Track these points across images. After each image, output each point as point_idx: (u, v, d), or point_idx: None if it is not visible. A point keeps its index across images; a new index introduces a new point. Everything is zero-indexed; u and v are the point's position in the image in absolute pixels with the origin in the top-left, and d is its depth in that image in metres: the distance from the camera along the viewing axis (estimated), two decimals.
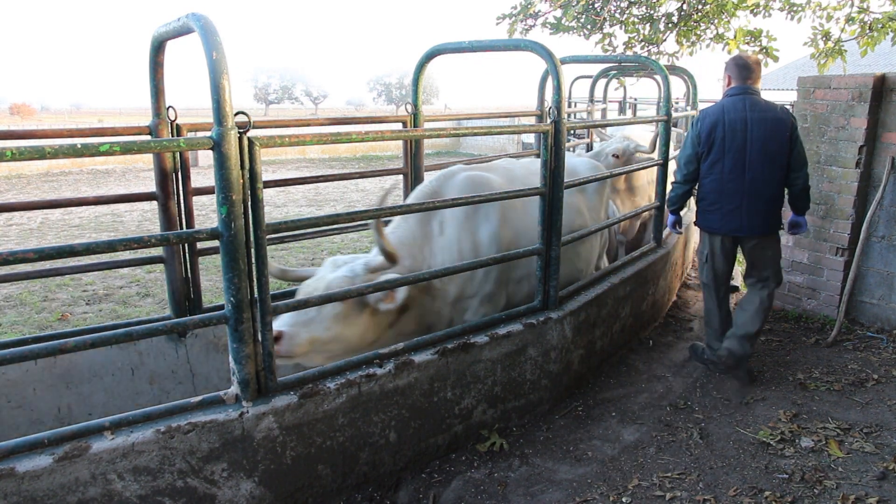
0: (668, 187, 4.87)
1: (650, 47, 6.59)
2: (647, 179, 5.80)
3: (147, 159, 16.38)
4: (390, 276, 2.90)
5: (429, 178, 3.58)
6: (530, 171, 3.81)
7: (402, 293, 2.93)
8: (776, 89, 20.79)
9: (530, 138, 18.01)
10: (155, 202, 3.33)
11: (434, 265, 3.23)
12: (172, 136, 3.25)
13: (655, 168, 4.86)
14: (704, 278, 4.01)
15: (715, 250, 3.90)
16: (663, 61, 6.63)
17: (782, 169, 3.72)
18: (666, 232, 5.10)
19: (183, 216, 3.40)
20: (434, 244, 3.30)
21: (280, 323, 2.75)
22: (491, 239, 3.35)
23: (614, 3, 6.56)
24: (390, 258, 2.91)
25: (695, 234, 6.99)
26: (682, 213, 6.00)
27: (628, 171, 4.74)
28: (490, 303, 3.44)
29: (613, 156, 5.42)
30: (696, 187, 3.98)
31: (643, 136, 6.28)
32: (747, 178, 3.68)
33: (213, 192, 2.27)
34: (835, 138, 4.64)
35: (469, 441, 3.16)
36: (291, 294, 3.20)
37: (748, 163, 3.67)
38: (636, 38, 6.58)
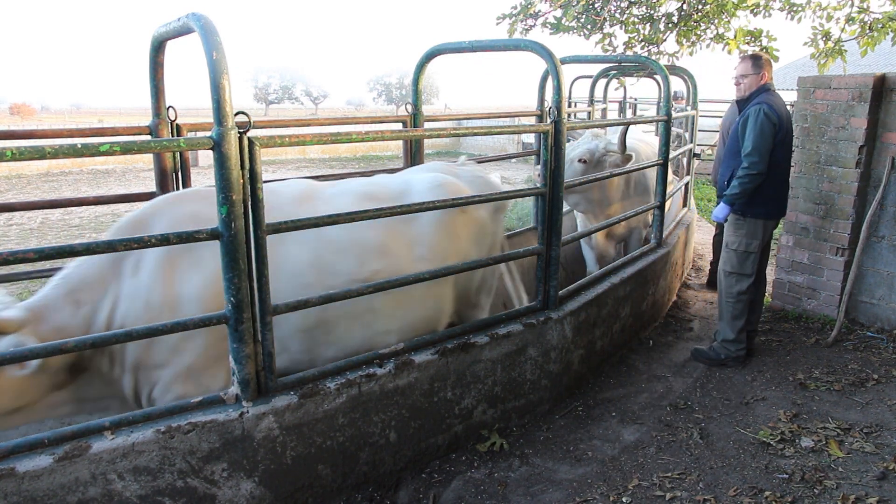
0: (670, 187, 4.88)
1: (650, 47, 6.58)
2: (642, 185, 5.32)
3: (147, 159, 16.38)
4: (21, 339, 2.24)
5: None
6: (282, 197, 2.82)
7: (34, 361, 2.25)
8: (776, 89, 20.73)
9: (530, 138, 18.02)
10: None
11: (116, 315, 2.48)
12: (172, 136, 3.26)
13: (653, 172, 4.84)
14: (748, 270, 4.09)
15: (766, 237, 4.11)
16: (663, 61, 6.62)
17: None
18: (666, 232, 5.10)
19: None
20: (122, 287, 2.51)
21: None
22: (197, 291, 2.53)
23: (614, 3, 6.55)
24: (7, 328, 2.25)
25: (696, 234, 6.99)
26: (682, 212, 6.03)
27: (625, 172, 4.70)
28: (192, 381, 2.57)
29: (580, 161, 4.74)
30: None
31: (641, 137, 6.21)
32: (789, 164, 4.16)
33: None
34: (835, 138, 4.64)
35: (469, 441, 3.16)
36: None
37: (791, 151, 4.14)
38: (636, 38, 6.57)
